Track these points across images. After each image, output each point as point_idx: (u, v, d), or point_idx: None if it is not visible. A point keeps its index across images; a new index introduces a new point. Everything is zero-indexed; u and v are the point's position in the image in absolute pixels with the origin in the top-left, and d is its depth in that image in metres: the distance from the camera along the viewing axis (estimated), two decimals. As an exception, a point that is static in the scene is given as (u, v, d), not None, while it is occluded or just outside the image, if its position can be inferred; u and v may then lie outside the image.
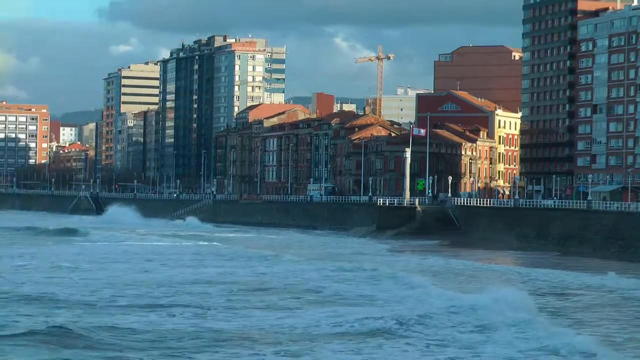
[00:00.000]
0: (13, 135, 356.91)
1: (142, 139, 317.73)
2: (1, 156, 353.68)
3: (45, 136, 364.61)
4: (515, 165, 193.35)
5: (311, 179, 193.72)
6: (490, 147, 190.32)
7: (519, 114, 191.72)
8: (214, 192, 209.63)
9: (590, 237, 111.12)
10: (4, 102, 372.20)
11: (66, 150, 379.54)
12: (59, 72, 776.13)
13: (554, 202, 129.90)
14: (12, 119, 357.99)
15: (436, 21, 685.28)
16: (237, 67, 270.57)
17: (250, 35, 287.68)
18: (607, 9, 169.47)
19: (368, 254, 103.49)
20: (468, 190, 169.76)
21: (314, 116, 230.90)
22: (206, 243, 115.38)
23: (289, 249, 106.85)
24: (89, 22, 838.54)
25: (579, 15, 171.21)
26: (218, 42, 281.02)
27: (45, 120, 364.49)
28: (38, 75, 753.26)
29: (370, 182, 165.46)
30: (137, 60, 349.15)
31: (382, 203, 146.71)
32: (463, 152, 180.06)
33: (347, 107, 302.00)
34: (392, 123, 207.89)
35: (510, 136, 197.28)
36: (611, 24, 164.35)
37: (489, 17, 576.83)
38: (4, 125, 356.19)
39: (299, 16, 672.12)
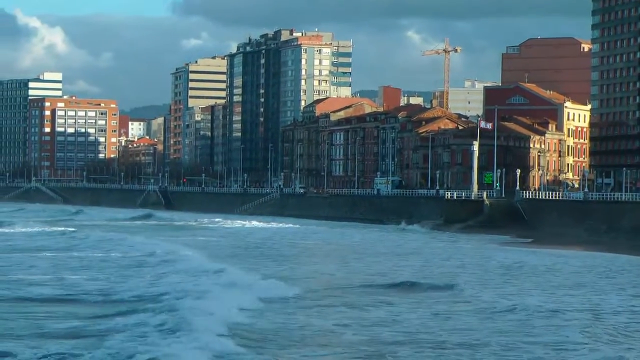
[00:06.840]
0: (83, 130, 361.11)
1: (209, 133, 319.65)
2: (71, 151, 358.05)
3: (114, 130, 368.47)
4: (584, 158, 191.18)
5: (378, 173, 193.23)
6: (559, 140, 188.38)
7: (588, 106, 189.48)
8: (281, 186, 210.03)
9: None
10: (74, 97, 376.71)
11: (135, 145, 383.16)
12: (129, 67, 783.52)
13: (624, 195, 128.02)
14: (82, 113, 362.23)
15: (507, 13, 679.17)
16: (303, 61, 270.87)
17: (316, 29, 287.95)
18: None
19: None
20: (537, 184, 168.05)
21: (380, 109, 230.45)
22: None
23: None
24: (162, 17, 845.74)
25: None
26: (285, 36, 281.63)
27: (114, 114, 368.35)
28: (109, 71, 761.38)
29: (438, 175, 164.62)
30: (207, 55, 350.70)
31: (450, 196, 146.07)
32: (531, 145, 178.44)
33: (414, 100, 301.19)
34: (460, 116, 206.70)
35: (579, 129, 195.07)
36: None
37: (559, 8, 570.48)
38: (73, 120, 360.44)
39: (372, 9, 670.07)
